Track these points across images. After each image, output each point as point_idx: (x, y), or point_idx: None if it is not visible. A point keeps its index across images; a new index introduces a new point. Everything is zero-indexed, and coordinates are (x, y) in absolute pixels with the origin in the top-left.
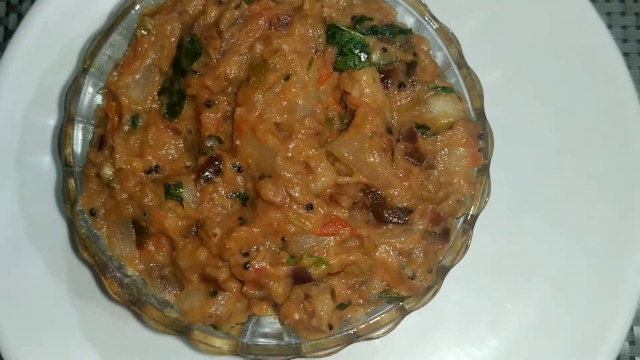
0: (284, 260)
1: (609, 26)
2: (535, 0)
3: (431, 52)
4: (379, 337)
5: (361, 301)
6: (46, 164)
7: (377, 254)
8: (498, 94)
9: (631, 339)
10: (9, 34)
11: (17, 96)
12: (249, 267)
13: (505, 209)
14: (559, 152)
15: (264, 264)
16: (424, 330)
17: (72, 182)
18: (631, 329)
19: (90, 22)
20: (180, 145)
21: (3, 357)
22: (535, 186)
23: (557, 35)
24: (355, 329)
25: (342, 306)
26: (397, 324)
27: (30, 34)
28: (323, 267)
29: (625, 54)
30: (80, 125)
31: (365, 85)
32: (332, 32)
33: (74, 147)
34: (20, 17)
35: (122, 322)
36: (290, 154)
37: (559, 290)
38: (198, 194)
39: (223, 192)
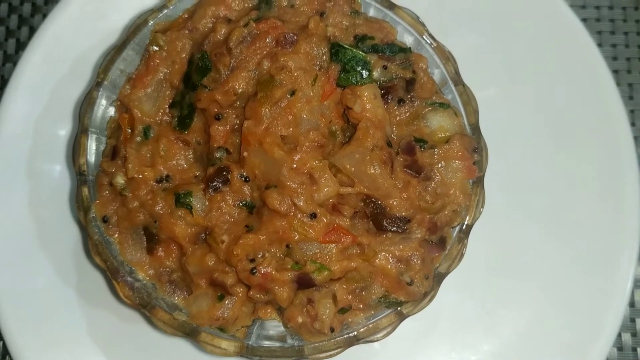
0: (289, 266)
1: (599, 44)
2: (528, 21)
3: (429, 69)
4: (378, 340)
5: (361, 306)
6: (56, 172)
7: (377, 260)
8: (492, 110)
9: (619, 345)
10: (20, 46)
11: (29, 106)
12: (256, 272)
13: (499, 218)
14: (550, 163)
15: (270, 270)
16: (420, 335)
17: (85, 190)
18: (619, 335)
19: (100, 37)
20: (189, 156)
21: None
22: (528, 196)
23: (549, 54)
24: (355, 332)
25: (343, 310)
26: (395, 327)
27: (42, 47)
28: (326, 272)
29: (615, 71)
30: (94, 136)
31: (367, 101)
32: (335, 50)
33: (88, 156)
34: (32, 30)
35: (129, 325)
36: (295, 165)
37: (550, 296)
38: (207, 203)
39: (231, 201)
